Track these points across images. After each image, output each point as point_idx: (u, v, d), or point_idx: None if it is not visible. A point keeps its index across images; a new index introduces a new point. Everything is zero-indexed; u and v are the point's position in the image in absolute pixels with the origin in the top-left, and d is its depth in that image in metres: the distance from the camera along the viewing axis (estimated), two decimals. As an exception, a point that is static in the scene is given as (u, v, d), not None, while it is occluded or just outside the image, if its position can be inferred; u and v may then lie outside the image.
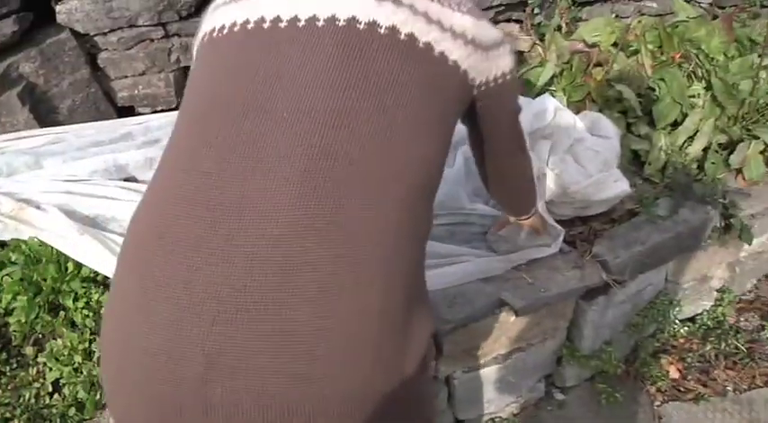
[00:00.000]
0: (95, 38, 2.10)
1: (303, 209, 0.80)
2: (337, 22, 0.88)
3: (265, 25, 0.89)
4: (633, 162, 2.11)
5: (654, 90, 2.09)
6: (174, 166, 0.88)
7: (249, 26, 0.90)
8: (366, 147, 0.84)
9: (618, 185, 1.86)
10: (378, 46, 0.88)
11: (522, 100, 2.06)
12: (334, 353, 0.79)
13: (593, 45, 2.10)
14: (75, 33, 2.07)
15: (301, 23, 0.88)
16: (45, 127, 2.03)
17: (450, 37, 0.93)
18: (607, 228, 1.90)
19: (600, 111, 2.14)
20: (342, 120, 0.84)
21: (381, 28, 0.88)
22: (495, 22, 2.72)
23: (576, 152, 1.92)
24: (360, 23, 0.88)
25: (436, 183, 0.98)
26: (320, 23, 0.88)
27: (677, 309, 2.05)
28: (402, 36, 0.89)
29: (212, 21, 0.97)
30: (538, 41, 2.25)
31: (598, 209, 1.88)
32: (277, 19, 0.89)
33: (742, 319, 2.22)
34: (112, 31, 2.10)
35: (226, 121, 0.86)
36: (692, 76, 2.16)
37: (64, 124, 2.08)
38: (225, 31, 0.93)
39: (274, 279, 0.78)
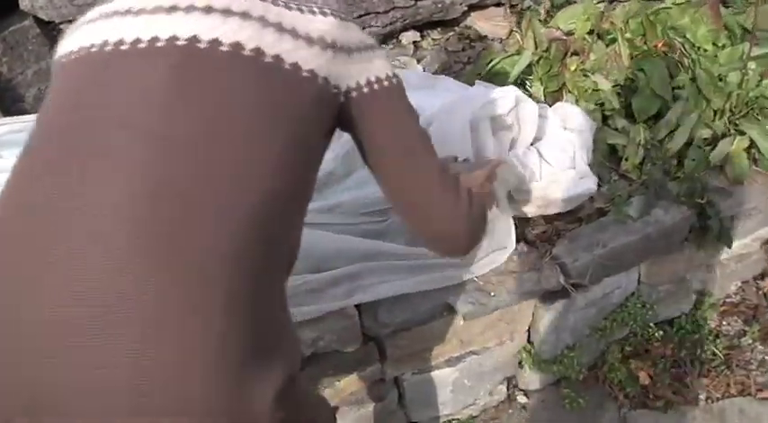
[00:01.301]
0: (60, 25, 2.03)
1: (134, 247, 0.72)
2: (177, 42, 0.80)
3: (108, 49, 0.83)
4: (609, 157, 1.95)
5: (633, 81, 1.93)
6: (8, 197, 0.81)
7: (93, 50, 0.84)
8: (201, 179, 0.76)
9: (583, 183, 1.72)
10: (219, 66, 0.80)
11: (480, 87, 1.96)
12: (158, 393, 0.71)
13: (570, 33, 1.95)
14: (38, 21, 2.01)
15: (142, 45, 0.81)
16: (9, 116, 1.98)
17: (306, 44, 0.85)
18: (572, 228, 1.77)
19: (576, 102, 1.98)
20: (174, 149, 0.76)
21: (223, 45, 0.81)
22: (483, 6, 2.57)
23: (540, 146, 1.79)
24: (200, 42, 0.80)
25: (294, 217, 0.89)
26: (160, 44, 0.81)
27: (650, 312, 1.91)
28: (246, 52, 0.81)
29: (67, 43, 0.91)
30: (516, 28, 2.10)
31: (562, 207, 1.75)
32: (119, 42, 0.83)
33: (724, 323, 2.06)
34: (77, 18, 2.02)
35: (53, 160, 0.79)
36: (680, 66, 1.99)
37: (30, 113, 2.02)
38: (72, 56, 0.87)
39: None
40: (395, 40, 2.52)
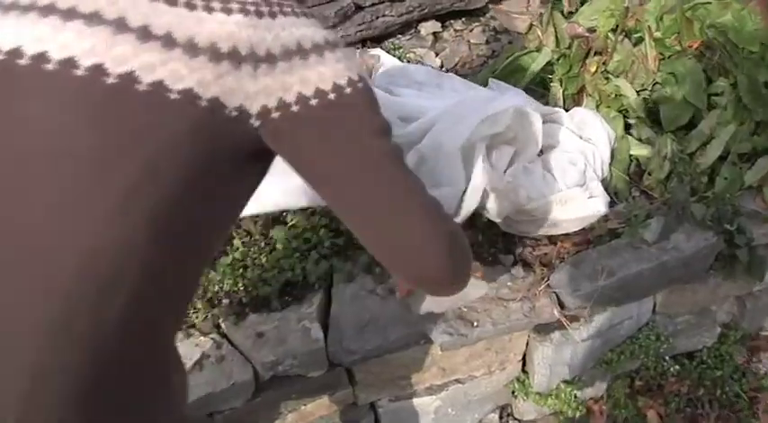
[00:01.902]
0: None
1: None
2: (46, 65, 0.64)
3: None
4: (631, 170, 1.72)
5: (663, 86, 1.68)
6: None
7: None
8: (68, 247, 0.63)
9: (592, 205, 1.50)
10: (37, 94, 0.64)
11: (487, 89, 1.75)
12: None
13: (592, 30, 1.71)
14: None
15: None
16: None
17: (183, 55, 0.65)
18: (578, 250, 1.56)
19: (597, 107, 1.75)
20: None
21: (50, 63, 0.64)
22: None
23: (547, 160, 1.58)
24: (21, 58, 0.64)
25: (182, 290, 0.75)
26: (23, 62, 0.64)
27: (666, 345, 1.69)
28: (81, 71, 0.63)
29: None
30: (536, 22, 1.87)
31: (568, 228, 1.54)
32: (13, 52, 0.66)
33: (754, 360, 1.82)
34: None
35: None
36: (718, 70, 1.72)
37: None
38: None
39: None
40: (413, 31, 2.32)
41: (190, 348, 1.40)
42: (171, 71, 0.65)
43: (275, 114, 0.70)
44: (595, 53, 1.70)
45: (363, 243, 0.78)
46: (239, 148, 0.71)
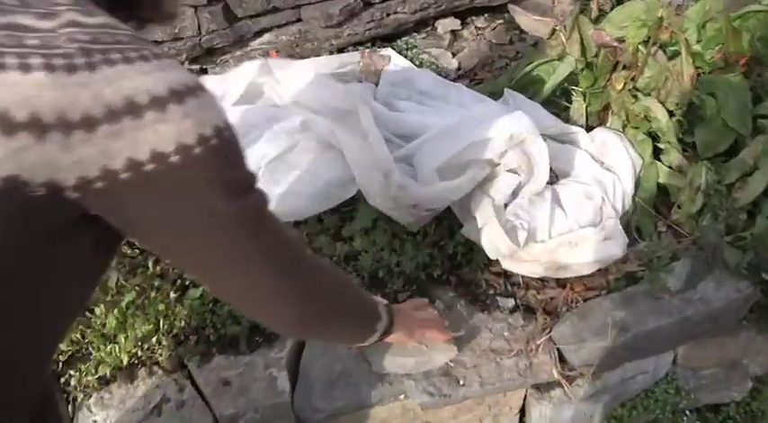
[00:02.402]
0: None
1: None
2: None
3: None
4: (658, 201, 1.50)
5: (700, 107, 1.44)
6: None
7: None
8: None
9: (605, 248, 1.29)
10: None
11: (497, 105, 1.54)
12: None
13: (621, 40, 1.47)
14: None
15: None
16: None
17: None
18: (589, 296, 1.36)
19: (623, 128, 1.52)
20: None
21: None
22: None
23: (559, 192, 1.37)
24: None
25: None
26: None
27: (687, 400, 1.48)
28: None
29: None
30: (559, 26, 1.64)
31: (579, 271, 1.33)
32: None
33: (790, 416, 1.59)
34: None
35: None
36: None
37: None
38: None
39: None
40: (429, 28, 2.10)
41: (151, 389, 1.27)
42: None
43: (99, 184, 0.58)
44: (624, 67, 1.47)
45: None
46: (58, 225, 0.60)
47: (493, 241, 1.23)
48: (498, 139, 1.22)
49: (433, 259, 1.38)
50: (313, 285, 0.79)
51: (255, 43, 1.93)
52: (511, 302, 1.35)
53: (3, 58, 0.54)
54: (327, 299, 0.83)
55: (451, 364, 1.23)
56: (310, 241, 1.42)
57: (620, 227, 1.33)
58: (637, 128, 1.49)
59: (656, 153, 1.49)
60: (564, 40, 1.63)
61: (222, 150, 0.63)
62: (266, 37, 1.93)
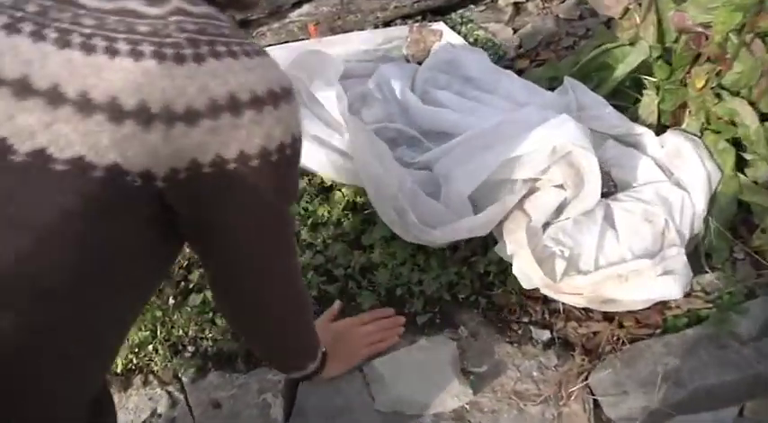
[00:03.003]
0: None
1: None
2: None
3: None
4: (737, 223, 1.23)
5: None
6: None
7: None
8: None
9: (663, 285, 1.06)
10: None
11: (532, 110, 1.26)
12: None
13: (707, 25, 1.18)
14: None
15: None
16: None
17: (73, 114, 0.53)
18: (640, 335, 1.13)
19: (701, 132, 1.25)
20: None
21: None
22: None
23: (613, 211, 1.13)
24: None
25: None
26: None
27: (753, 457, 1.24)
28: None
29: None
30: (634, 4, 1.35)
31: (630, 306, 1.11)
32: None
33: None
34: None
35: None
36: None
37: None
38: None
39: None
40: (489, 1, 1.85)
41: (143, 401, 1.17)
42: (55, 136, 0.53)
43: (183, 175, 0.59)
44: (708, 59, 1.19)
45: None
46: (144, 217, 0.60)
47: (524, 271, 1.02)
48: (539, 153, 1.01)
49: (462, 278, 1.19)
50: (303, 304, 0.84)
51: (294, 15, 1.76)
52: (546, 335, 1.15)
53: (116, 44, 0.54)
54: (283, 310, 0.83)
55: (467, 408, 1.05)
56: (326, 247, 1.26)
57: (685, 258, 1.09)
58: (718, 133, 1.22)
59: (740, 165, 1.22)
60: (638, 20, 1.35)
61: (293, 160, 0.65)
62: (305, 8, 1.75)
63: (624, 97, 1.41)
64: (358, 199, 1.33)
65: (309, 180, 1.37)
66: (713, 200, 1.21)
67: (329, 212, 1.31)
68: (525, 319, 1.18)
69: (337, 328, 1.11)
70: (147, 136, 0.55)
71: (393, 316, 1.15)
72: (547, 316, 1.18)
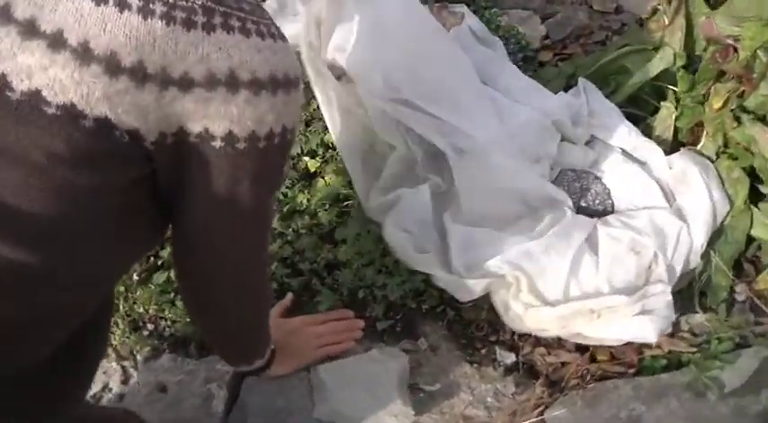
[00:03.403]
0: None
1: None
2: None
3: None
4: (745, 260, 1.10)
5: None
6: None
7: None
8: None
9: (639, 325, 0.95)
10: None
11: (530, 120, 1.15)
12: None
13: (736, 38, 1.02)
14: None
15: None
16: None
17: (72, 60, 0.54)
18: (612, 372, 1.03)
19: (716, 156, 1.11)
20: None
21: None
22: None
23: (597, 236, 1.02)
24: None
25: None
26: None
27: None
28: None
29: None
30: (663, 5, 1.19)
31: (603, 342, 1.01)
32: None
33: None
34: None
35: None
36: None
37: None
38: None
39: None
40: (519, -16, 1.70)
41: (98, 373, 1.15)
42: (51, 80, 0.54)
43: (170, 140, 0.60)
44: (732, 77, 1.04)
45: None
46: (132, 178, 0.61)
47: (492, 290, 0.93)
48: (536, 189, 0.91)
49: (429, 287, 1.11)
50: (247, 289, 0.79)
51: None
52: (511, 358, 1.07)
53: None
54: (243, 300, 0.80)
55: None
56: (297, 238, 1.20)
57: (669, 297, 0.97)
58: (735, 159, 1.08)
59: (754, 197, 1.08)
60: (666, 22, 1.20)
61: (281, 151, 0.65)
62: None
63: (642, 105, 1.27)
64: (342, 191, 1.25)
65: (294, 165, 1.30)
66: (719, 233, 1.08)
67: (308, 201, 1.24)
68: (492, 338, 1.10)
69: (289, 325, 1.06)
70: (140, 95, 0.55)
71: (351, 318, 1.09)
72: (516, 337, 1.09)
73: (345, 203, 1.23)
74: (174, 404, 1.05)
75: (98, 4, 0.54)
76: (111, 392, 1.13)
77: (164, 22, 0.55)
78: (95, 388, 1.13)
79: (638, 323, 0.94)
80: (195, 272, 0.76)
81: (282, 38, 0.62)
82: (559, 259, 0.96)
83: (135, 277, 1.19)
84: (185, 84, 0.56)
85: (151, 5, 0.55)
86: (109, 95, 0.55)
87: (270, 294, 1.00)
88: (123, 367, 1.15)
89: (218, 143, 0.60)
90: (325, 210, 1.22)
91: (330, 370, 1.01)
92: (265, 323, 0.91)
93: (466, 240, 0.98)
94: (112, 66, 0.54)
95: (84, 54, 0.54)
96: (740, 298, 1.09)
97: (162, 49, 0.55)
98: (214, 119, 0.58)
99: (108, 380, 1.14)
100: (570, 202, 1.10)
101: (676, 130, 1.19)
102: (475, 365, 1.06)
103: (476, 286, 0.97)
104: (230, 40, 0.57)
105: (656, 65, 1.18)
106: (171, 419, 1.04)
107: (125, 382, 1.14)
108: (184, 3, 0.55)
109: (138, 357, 1.14)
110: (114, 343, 1.16)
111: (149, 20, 0.54)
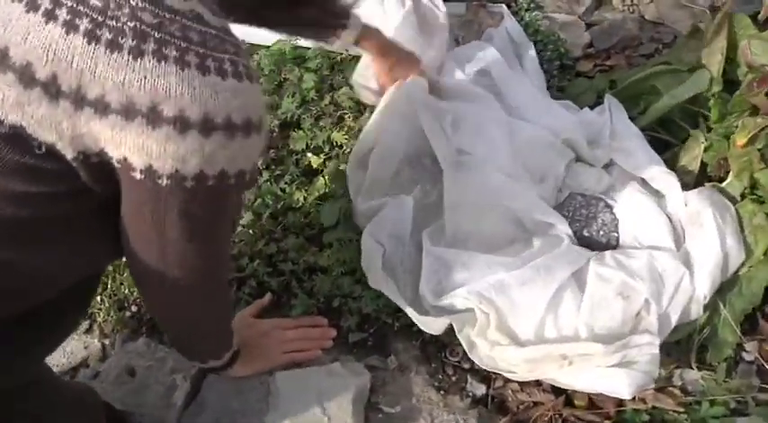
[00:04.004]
0: None
1: None
2: None
3: None
4: (761, 313, 0.96)
5: None
6: None
7: None
8: None
9: (610, 378, 0.85)
10: None
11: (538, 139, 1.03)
12: None
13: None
14: None
15: None
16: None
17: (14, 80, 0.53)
18: (587, 420, 0.93)
19: (740, 197, 0.98)
20: None
21: None
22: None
23: (584, 275, 0.91)
24: None
25: None
26: None
27: None
28: None
29: None
30: (705, 22, 1.04)
31: (574, 389, 0.91)
32: None
33: None
34: None
35: None
36: None
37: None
38: None
39: None
40: (568, -12, 1.56)
41: (78, 347, 1.16)
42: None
43: (94, 160, 0.58)
44: (765, 112, 0.90)
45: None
46: (62, 187, 0.59)
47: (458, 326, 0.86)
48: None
49: (407, 303, 1.04)
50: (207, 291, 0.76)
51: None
52: (482, 390, 0.98)
53: (58, 9, 0.52)
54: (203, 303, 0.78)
55: (361, 447, 0.93)
56: (284, 237, 1.15)
57: (656, 352, 0.86)
58: (761, 203, 0.94)
59: (777, 247, 0.94)
60: (706, 41, 1.06)
61: (218, 193, 0.61)
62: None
63: (674, 130, 1.14)
64: (342, 191, 1.20)
65: (297, 161, 1.26)
66: (732, 283, 0.95)
67: (305, 199, 1.19)
68: (466, 366, 1.02)
69: (261, 326, 1.02)
70: (54, 110, 0.53)
71: (324, 326, 1.04)
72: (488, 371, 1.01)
73: (340, 206, 1.17)
74: (138, 390, 1.04)
75: (27, 11, 0.53)
76: (87, 369, 1.14)
77: (85, 39, 0.52)
78: (74, 362, 1.15)
79: (612, 376, 0.84)
80: (137, 279, 0.75)
81: (249, 77, 0.58)
82: (538, 294, 0.86)
83: (125, 259, 1.19)
84: (101, 107, 0.53)
85: (77, 20, 0.52)
86: (21, 104, 0.53)
87: (226, 302, 0.95)
88: (104, 345, 1.15)
89: (137, 175, 0.57)
90: (318, 211, 1.17)
91: (287, 378, 0.96)
92: (222, 328, 0.88)
93: (439, 262, 0.91)
94: (26, 76, 0.53)
95: (1, 60, 0.53)
96: (748, 358, 0.96)
97: (79, 67, 0.52)
98: (132, 150, 0.55)
99: (88, 355, 1.15)
100: (569, 230, 1.00)
101: (704, 163, 1.06)
102: (442, 392, 0.98)
103: (435, 323, 0.89)
104: (159, 70, 0.53)
105: (688, 89, 1.05)
106: (133, 404, 1.03)
107: (102, 359, 1.14)
108: (113, 23, 0.52)
109: (117, 338, 1.14)
110: (99, 320, 1.17)
111: (71, 35, 0.52)
